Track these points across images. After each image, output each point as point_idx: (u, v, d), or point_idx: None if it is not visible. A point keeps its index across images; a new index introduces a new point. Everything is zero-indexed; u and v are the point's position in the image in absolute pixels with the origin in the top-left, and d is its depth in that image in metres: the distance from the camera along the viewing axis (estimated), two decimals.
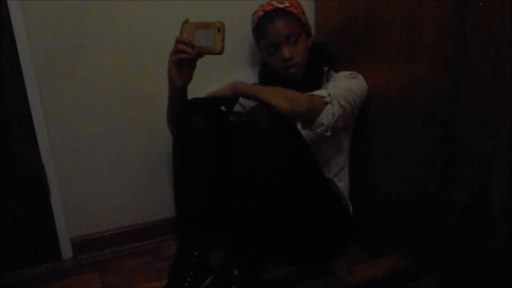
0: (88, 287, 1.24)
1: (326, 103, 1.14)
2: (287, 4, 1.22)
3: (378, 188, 1.34)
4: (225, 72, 1.40)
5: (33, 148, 1.27)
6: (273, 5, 1.21)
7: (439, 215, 1.12)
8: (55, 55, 1.25)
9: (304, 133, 1.20)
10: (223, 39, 1.04)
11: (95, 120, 1.33)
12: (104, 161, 1.37)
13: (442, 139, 1.08)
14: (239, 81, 1.19)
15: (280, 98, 1.08)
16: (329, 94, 1.15)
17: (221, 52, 1.05)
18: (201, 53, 1.08)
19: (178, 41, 1.07)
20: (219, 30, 1.04)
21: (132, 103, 1.36)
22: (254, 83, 1.33)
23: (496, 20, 0.90)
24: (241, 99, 1.34)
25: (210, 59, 1.08)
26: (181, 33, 1.09)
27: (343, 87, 1.19)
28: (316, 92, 1.16)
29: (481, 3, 0.92)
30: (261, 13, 1.22)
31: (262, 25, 1.22)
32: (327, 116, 1.14)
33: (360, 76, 1.25)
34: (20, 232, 1.31)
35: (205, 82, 1.32)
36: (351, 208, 1.31)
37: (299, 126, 1.19)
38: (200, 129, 1.13)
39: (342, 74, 1.26)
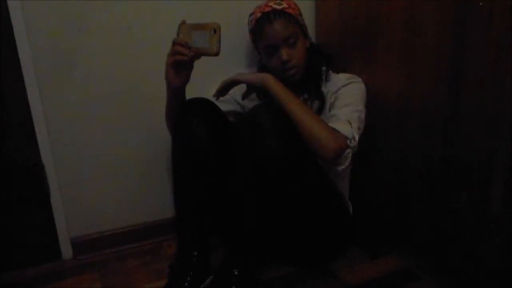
0: (88, 287, 1.24)
1: (349, 146, 1.13)
2: (285, 5, 1.21)
3: (378, 188, 1.34)
4: (224, 73, 1.39)
5: (33, 148, 1.27)
6: (270, 6, 1.21)
7: (439, 215, 1.12)
8: (55, 56, 1.25)
9: None
10: (219, 41, 1.04)
11: (95, 120, 1.33)
12: (104, 161, 1.37)
13: (442, 139, 1.08)
14: (272, 76, 1.15)
15: (311, 133, 1.08)
16: (354, 138, 1.13)
17: (217, 54, 1.05)
18: (197, 55, 1.08)
19: (174, 43, 1.08)
20: (214, 31, 1.04)
21: (132, 103, 1.36)
22: None
23: (496, 20, 0.90)
24: (239, 99, 1.35)
25: (208, 59, 1.08)
26: (177, 34, 1.09)
27: (354, 110, 1.17)
28: (341, 129, 1.12)
29: (481, 3, 0.92)
30: (259, 14, 1.21)
31: (260, 27, 1.21)
32: (346, 159, 1.16)
33: (360, 80, 1.25)
34: (20, 232, 1.31)
35: (204, 83, 1.32)
36: (351, 208, 1.31)
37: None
38: (199, 129, 1.13)
39: (343, 77, 1.25)
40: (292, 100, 1.12)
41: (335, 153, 1.10)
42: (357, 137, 1.14)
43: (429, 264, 1.18)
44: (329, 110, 1.24)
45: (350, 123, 1.14)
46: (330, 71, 1.29)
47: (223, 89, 1.19)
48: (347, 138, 1.12)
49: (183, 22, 1.10)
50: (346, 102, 1.19)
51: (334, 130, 1.11)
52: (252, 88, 1.22)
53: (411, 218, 1.23)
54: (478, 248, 1.03)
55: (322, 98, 1.25)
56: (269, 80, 1.14)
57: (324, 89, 1.26)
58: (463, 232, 1.06)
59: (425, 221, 1.18)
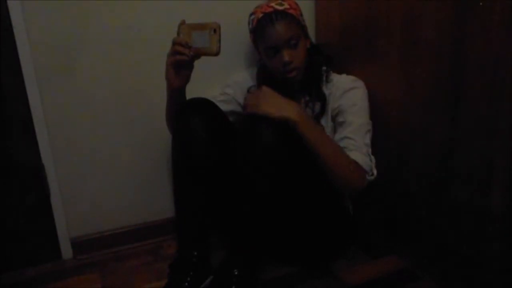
0: (88, 287, 1.24)
1: (366, 179, 1.15)
2: (286, 6, 1.20)
3: (378, 188, 1.34)
4: (224, 73, 1.40)
5: (33, 148, 1.27)
6: (272, 6, 1.20)
7: (439, 215, 1.12)
8: (55, 55, 1.25)
9: None
10: (219, 40, 1.04)
11: (95, 120, 1.33)
12: (104, 161, 1.37)
13: (441, 138, 1.08)
14: (300, 111, 1.07)
15: (338, 173, 1.10)
16: (373, 172, 1.15)
17: (217, 53, 1.05)
18: (197, 55, 1.08)
19: (174, 43, 1.07)
20: (214, 31, 1.04)
21: (132, 103, 1.36)
22: (252, 86, 1.34)
23: (496, 20, 0.90)
24: (239, 99, 1.35)
25: (208, 59, 1.08)
26: (177, 34, 1.09)
27: (367, 130, 1.19)
28: (363, 162, 1.13)
29: (481, 3, 0.92)
30: (260, 15, 1.20)
31: (261, 27, 1.20)
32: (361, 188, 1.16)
33: (362, 84, 1.24)
34: (20, 232, 1.31)
35: (204, 83, 1.32)
36: (351, 207, 1.31)
37: None
38: (199, 130, 1.12)
39: (345, 79, 1.25)
40: (321, 141, 1.09)
41: (356, 189, 1.16)
42: (375, 172, 1.16)
43: (429, 264, 1.19)
44: (332, 117, 1.24)
45: (370, 156, 1.16)
46: (331, 71, 1.29)
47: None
48: (366, 172, 1.14)
49: (183, 22, 1.10)
50: (360, 121, 1.18)
51: (357, 166, 1.12)
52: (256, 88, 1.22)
53: (411, 218, 1.23)
54: (478, 248, 1.03)
55: (323, 99, 1.25)
56: (298, 118, 1.05)
57: (325, 90, 1.26)
58: (463, 232, 1.06)
59: (425, 221, 1.18)
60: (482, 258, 1.02)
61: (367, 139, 1.18)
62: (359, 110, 1.20)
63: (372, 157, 1.17)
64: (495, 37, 0.91)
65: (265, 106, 1.06)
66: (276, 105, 1.06)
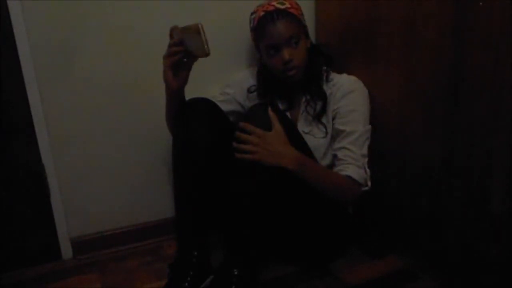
0: (88, 287, 1.24)
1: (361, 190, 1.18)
2: (287, 5, 1.21)
3: (378, 188, 1.34)
4: (224, 73, 1.40)
5: (33, 148, 1.27)
6: (273, 5, 1.20)
7: (439, 215, 1.12)
8: (55, 55, 1.25)
9: (307, 138, 1.21)
10: (205, 41, 1.00)
11: (95, 120, 1.33)
12: (104, 161, 1.37)
13: (441, 138, 1.08)
14: (301, 156, 1.09)
15: (333, 195, 1.16)
16: (367, 184, 1.18)
17: (207, 55, 1.01)
18: (191, 57, 1.07)
19: (170, 46, 1.08)
20: (198, 33, 1.00)
21: (132, 103, 1.36)
22: (252, 85, 1.34)
23: (496, 20, 0.90)
24: (240, 99, 1.35)
25: (208, 59, 1.08)
26: (170, 38, 1.09)
27: (366, 138, 1.20)
28: (357, 177, 1.15)
29: (481, 3, 0.92)
30: (262, 13, 1.21)
31: (262, 26, 1.20)
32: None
33: (362, 85, 1.25)
34: (20, 232, 1.31)
35: (204, 83, 1.32)
36: (350, 208, 1.31)
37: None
38: (199, 130, 1.13)
39: (345, 80, 1.25)
40: (321, 178, 1.13)
41: (350, 201, 1.24)
42: (369, 184, 1.18)
43: (429, 264, 1.18)
44: (332, 118, 1.24)
45: (365, 169, 1.17)
46: (331, 71, 1.29)
47: None
48: (361, 185, 1.16)
49: (175, 27, 1.08)
50: (359, 130, 1.19)
51: (351, 182, 1.15)
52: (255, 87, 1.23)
53: (411, 218, 1.23)
54: (478, 248, 1.03)
55: (324, 98, 1.25)
56: (296, 167, 1.07)
57: (326, 89, 1.26)
58: (463, 232, 1.06)
59: (424, 221, 1.18)
60: (482, 258, 1.02)
61: (365, 149, 1.19)
62: (359, 117, 1.20)
63: (368, 169, 1.18)
64: (495, 36, 0.91)
65: (262, 155, 1.04)
66: (273, 154, 1.05)
